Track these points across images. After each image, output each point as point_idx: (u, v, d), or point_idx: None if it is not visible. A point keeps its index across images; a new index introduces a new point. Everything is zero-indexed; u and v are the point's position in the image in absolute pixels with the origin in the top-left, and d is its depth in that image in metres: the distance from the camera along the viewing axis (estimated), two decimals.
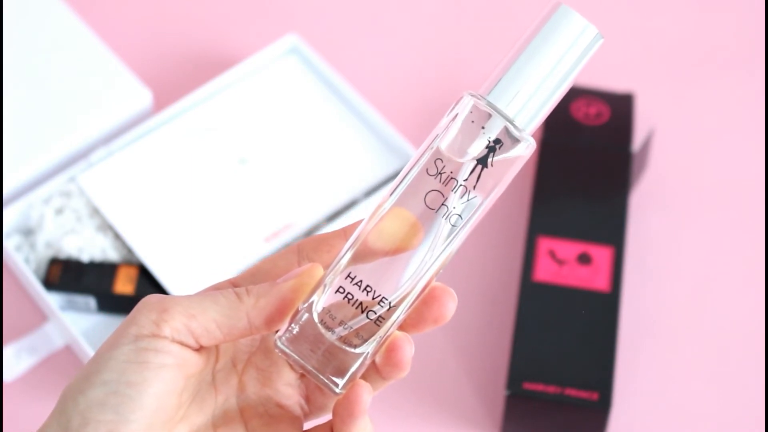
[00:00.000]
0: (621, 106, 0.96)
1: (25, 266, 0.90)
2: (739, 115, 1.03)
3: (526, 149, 0.50)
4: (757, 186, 0.98)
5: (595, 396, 0.83)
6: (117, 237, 0.92)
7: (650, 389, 0.89)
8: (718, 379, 0.89)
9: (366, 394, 0.50)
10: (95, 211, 0.93)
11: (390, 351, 0.51)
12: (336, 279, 0.50)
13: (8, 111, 0.95)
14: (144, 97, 0.98)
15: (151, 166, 0.95)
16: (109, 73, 0.98)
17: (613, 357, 0.84)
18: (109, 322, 0.91)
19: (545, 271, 0.88)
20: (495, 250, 0.95)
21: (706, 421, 0.88)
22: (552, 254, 0.89)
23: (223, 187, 0.94)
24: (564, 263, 0.89)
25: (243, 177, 0.95)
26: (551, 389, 0.83)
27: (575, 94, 0.96)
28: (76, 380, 0.49)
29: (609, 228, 0.90)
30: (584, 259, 0.89)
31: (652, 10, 1.09)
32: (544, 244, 0.89)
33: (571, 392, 0.83)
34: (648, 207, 0.97)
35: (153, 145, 0.96)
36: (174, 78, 1.03)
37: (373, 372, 0.52)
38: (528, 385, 0.83)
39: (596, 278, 0.88)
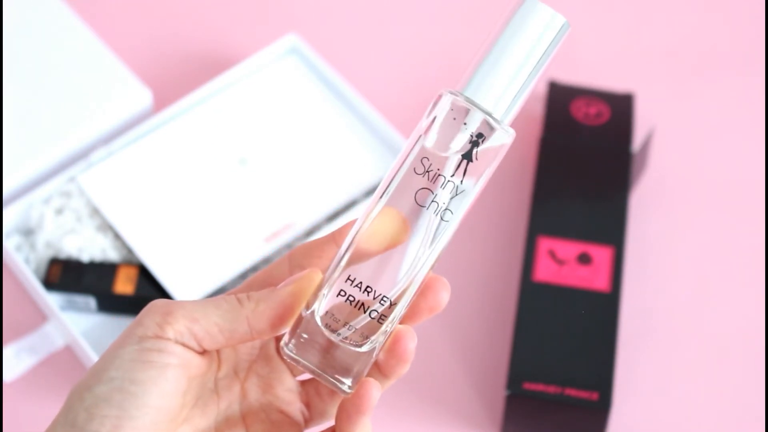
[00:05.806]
0: (621, 106, 0.96)
1: (25, 266, 0.90)
2: (739, 115, 1.03)
3: (507, 139, 0.51)
4: (757, 186, 0.98)
5: (595, 396, 0.83)
6: (117, 237, 0.92)
7: (650, 389, 0.89)
8: (718, 379, 0.89)
9: (375, 390, 0.51)
10: (95, 211, 0.93)
11: (394, 343, 0.52)
12: (335, 283, 0.52)
13: (8, 111, 0.95)
14: (144, 97, 0.98)
15: (151, 166, 0.95)
16: (109, 73, 0.98)
17: (613, 357, 0.84)
18: (109, 322, 0.91)
19: (545, 271, 0.88)
20: (495, 250, 0.95)
21: (706, 421, 0.88)
22: (552, 254, 0.89)
23: (223, 187, 0.94)
24: (564, 263, 0.89)
25: (243, 177, 0.95)
26: (551, 389, 0.83)
27: (575, 93, 0.96)
28: (83, 379, 0.51)
29: (609, 228, 0.90)
30: (584, 259, 0.89)
31: (652, 10, 1.09)
32: (544, 244, 0.89)
33: (571, 392, 0.83)
34: (648, 207, 0.97)
35: (153, 145, 0.96)
36: (174, 78, 1.03)
37: (375, 372, 0.53)
38: (528, 385, 0.83)
39: (596, 278, 0.88)
